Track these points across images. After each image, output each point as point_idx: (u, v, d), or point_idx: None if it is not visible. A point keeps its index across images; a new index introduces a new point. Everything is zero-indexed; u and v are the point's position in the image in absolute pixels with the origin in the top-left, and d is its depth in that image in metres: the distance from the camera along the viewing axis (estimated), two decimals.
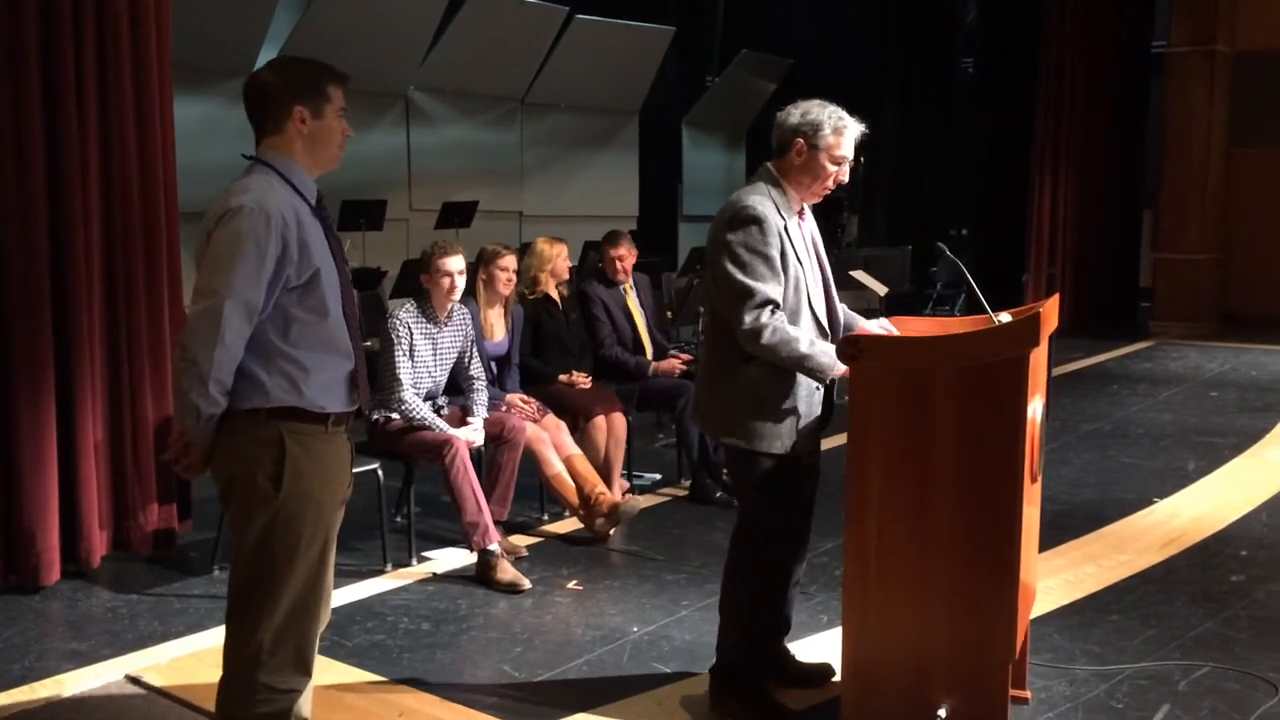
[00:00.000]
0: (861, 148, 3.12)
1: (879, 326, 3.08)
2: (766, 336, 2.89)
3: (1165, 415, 7.45)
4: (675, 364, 5.52)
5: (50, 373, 4.06)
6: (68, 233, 4.08)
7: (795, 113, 3.04)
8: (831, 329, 3.11)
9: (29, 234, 3.97)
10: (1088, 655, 3.58)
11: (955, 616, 2.75)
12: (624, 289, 5.61)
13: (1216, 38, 11.17)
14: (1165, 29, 11.59)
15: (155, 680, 3.39)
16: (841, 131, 3.02)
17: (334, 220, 2.69)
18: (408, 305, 4.58)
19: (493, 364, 5.00)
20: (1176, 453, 6.36)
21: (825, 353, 2.91)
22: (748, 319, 2.90)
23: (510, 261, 4.93)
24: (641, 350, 5.59)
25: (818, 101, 3.06)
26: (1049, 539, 4.46)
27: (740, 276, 2.92)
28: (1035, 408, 2.83)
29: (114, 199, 4.26)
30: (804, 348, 2.90)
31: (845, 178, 3.08)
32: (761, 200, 2.99)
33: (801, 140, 3.01)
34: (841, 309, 3.21)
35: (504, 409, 4.79)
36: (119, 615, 3.92)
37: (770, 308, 2.90)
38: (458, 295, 4.55)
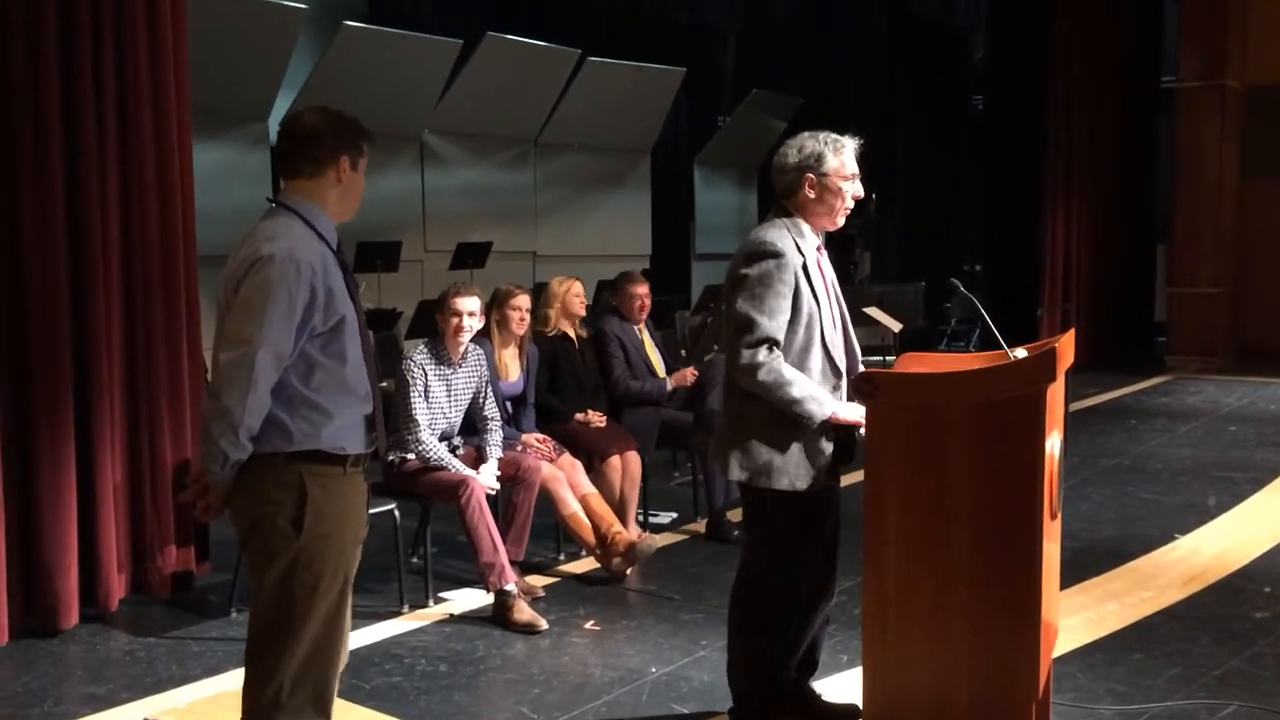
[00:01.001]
0: (873, 184, 3.14)
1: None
2: (761, 375, 2.90)
3: (1184, 450, 7.39)
4: (688, 374, 5.53)
5: (70, 415, 4.08)
6: (87, 275, 4.12)
7: (792, 151, 3.07)
8: (849, 369, 3.11)
9: (49, 276, 4.01)
10: (1112, 694, 3.54)
11: (976, 656, 2.72)
12: (639, 328, 5.64)
13: (1226, 72, 11.20)
14: (1175, 64, 11.63)
15: None
16: (841, 150, 3.05)
17: (350, 263, 2.72)
18: (421, 347, 4.60)
19: (508, 404, 5.00)
20: (1197, 488, 6.31)
21: (815, 400, 2.91)
22: (745, 354, 2.92)
23: (524, 301, 4.95)
24: (656, 377, 5.60)
25: (806, 134, 3.09)
26: (1070, 576, 4.42)
27: (746, 309, 2.94)
28: (1053, 443, 2.82)
29: (133, 242, 4.31)
30: (795, 392, 2.90)
31: (860, 193, 3.09)
32: (781, 236, 3.00)
33: (810, 175, 3.03)
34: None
35: (520, 449, 4.79)
36: (137, 659, 3.92)
37: (768, 345, 2.91)
38: (466, 336, 4.55)
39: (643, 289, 5.59)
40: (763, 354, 2.90)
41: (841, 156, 3.04)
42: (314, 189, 2.51)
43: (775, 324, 2.93)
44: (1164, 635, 4.06)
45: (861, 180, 3.10)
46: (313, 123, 2.52)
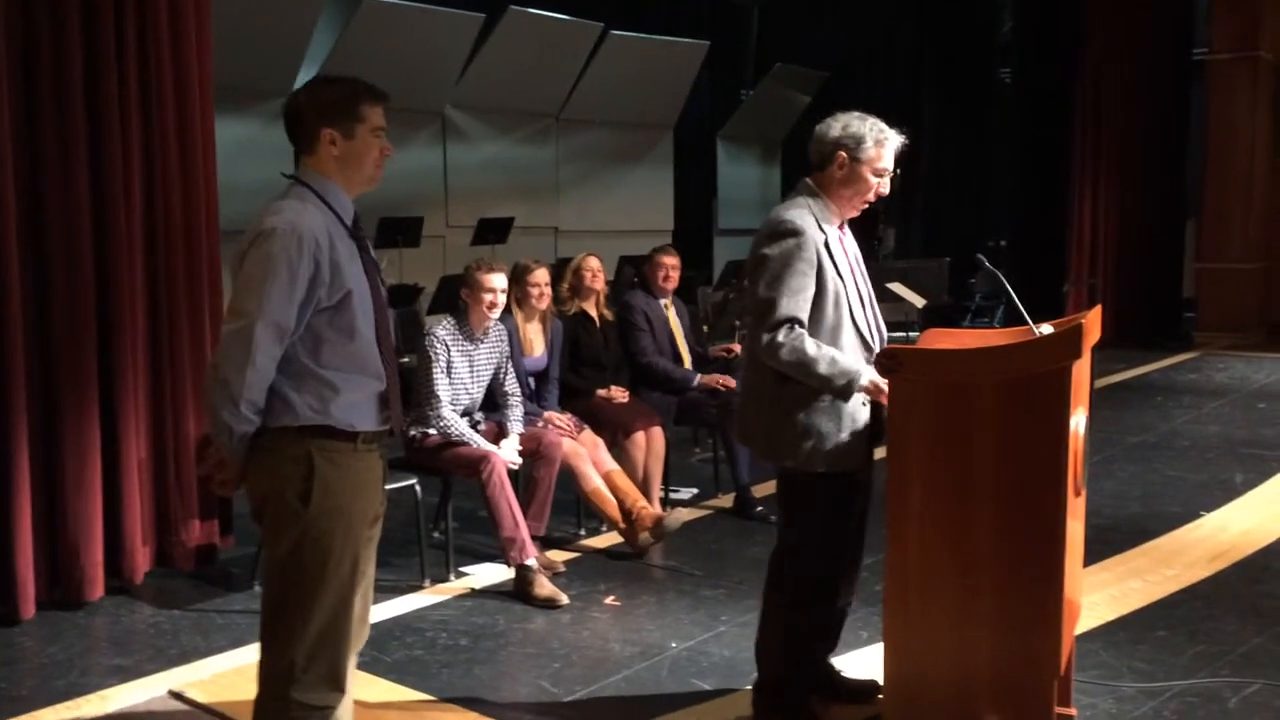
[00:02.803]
0: (898, 159, 3.10)
1: None
2: (783, 354, 2.87)
3: (1211, 427, 7.32)
4: (719, 379, 5.50)
5: (95, 390, 4.12)
6: (111, 251, 4.14)
7: (836, 125, 3.02)
8: (876, 342, 3.08)
9: (73, 252, 4.03)
10: (1135, 672, 3.52)
11: (999, 633, 2.71)
12: (664, 304, 5.62)
13: (1259, 44, 11.01)
14: (1205, 36, 11.44)
15: (198, 695, 3.42)
16: (883, 144, 3.00)
17: (370, 238, 2.70)
18: (445, 322, 4.60)
19: (530, 379, 5.00)
20: (1224, 465, 6.25)
21: (844, 374, 2.87)
22: (764, 337, 2.89)
23: (541, 276, 4.94)
24: (680, 363, 5.58)
25: (856, 114, 3.04)
26: (1094, 553, 4.38)
27: (766, 291, 2.91)
28: (1078, 420, 2.78)
29: (157, 218, 4.32)
30: (823, 368, 2.86)
31: (886, 190, 3.06)
32: (802, 214, 2.97)
33: (844, 153, 2.99)
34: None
35: (541, 425, 4.80)
36: (162, 630, 3.96)
37: (789, 325, 2.88)
38: (497, 313, 4.56)
39: (671, 259, 5.57)
40: (783, 334, 2.87)
41: (882, 149, 2.99)
42: (316, 164, 2.49)
43: (796, 302, 2.90)
44: (1188, 613, 4.03)
45: (893, 179, 3.06)
46: (294, 103, 2.50)
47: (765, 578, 3.16)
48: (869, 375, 2.90)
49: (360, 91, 2.50)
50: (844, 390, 2.89)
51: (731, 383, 5.43)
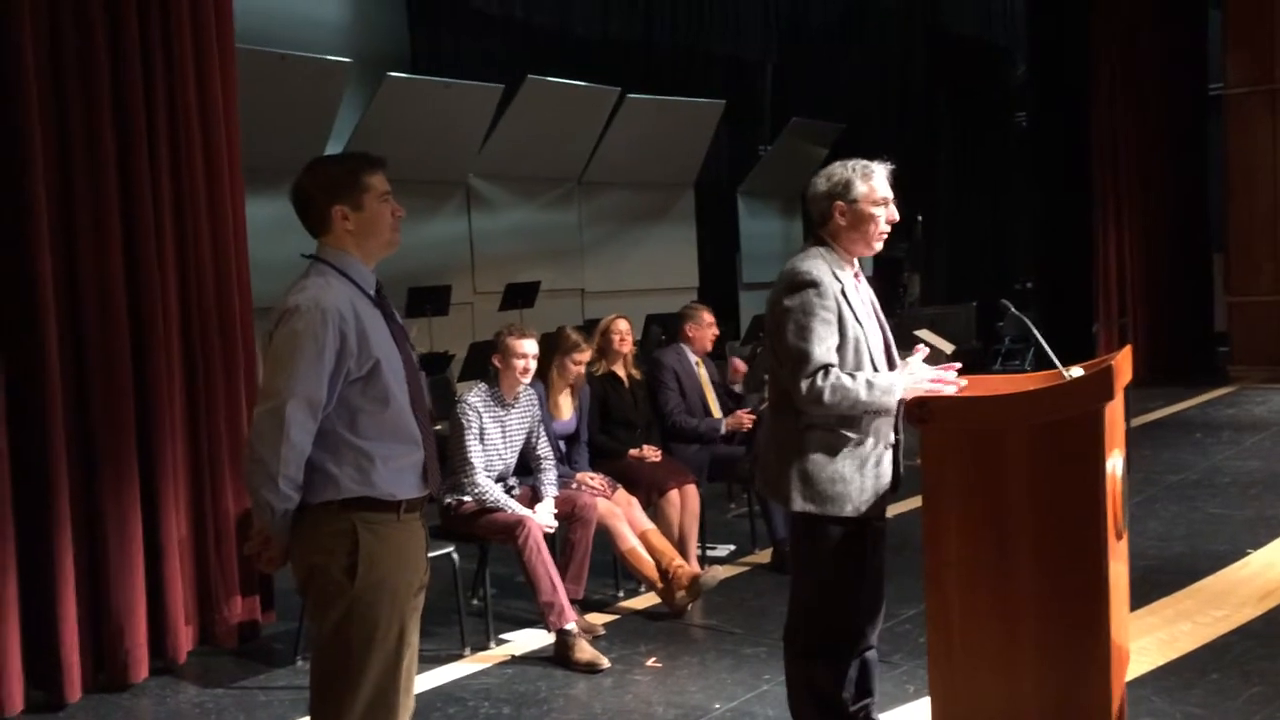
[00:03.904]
0: (918, 206, 3.13)
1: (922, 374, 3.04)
2: (828, 397, 2.89)
3: (1253, 462, 7.22)
4: (744, 417, 5.52)
5: (134, 469, 4.17)
6: (148, 330, 4.22)
7: (822, 181, 3.09)
8: None
9: (110, 331, 4.11)
10: (1190, 718, 3.45)
11: (1046, 682, 2.67)
12: (695, 360, 5.65)
13: (1275, 77, 11.02)
14: (1220, 70, 11.47)
15: None
16: (870, 176, 3.05)
17: (398, 308, 2.74)
18: (476, 389, 4.63)
19: (561, 443, 5.02)
20: (1268, 501, 6.15)
21: (886, 391, 2.91)
22: (804, 385, 2.91)
23: (587, 355, 4.98)
24: (710, 414, 5.60)
25: (837, 163, 3.11)
26: (1140, 597, 4.32)
27: (796, 342, 2.94)
28: (1115, 462, 2.77)
29: (190, 297, 4.40)
30: (863, 395, 2.90)
31: (896, 216, 3.09)
32: (816, 264, 3.01)
33: (840, 202, 3.04)
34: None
35: (575, 486, 4.80)
36: (206, 711, 3.96)
37: (824, 371, 2.91)
38: (529, 378, 4.60)
39: (711, 317, 5.68)
40: (820, 379, 2.90)
41: (871, 182, 3.04)
42: (334, 240, 2.54)
43: (825, 349, 2.93)
44: (1241, 654, 3.96)
45: (898, 204, 3.09)
46: (300, 185, 2.56)
47: (784, 639, 3.15)
48: (904, 381, 2.93)
49: (359, 163, 2.56)
50: (889, 405, 2.93)
51: (753, 417, 5.45)
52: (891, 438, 3.02)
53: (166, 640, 4.26)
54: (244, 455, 2.51)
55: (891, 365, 3.13)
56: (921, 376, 2.97)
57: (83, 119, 4.07)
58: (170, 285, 4.31)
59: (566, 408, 5.06)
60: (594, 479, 4.89)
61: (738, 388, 6.00)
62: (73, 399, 4.05)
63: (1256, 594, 4.60)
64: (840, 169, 3.07)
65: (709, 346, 5.66)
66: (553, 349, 4.88)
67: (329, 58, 8.72)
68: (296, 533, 2.49)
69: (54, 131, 4.01)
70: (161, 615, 4.25)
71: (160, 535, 4.24)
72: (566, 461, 5.03)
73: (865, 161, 3.08)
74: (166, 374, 4.27)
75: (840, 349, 2.97)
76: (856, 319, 3.01)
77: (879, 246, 3.12)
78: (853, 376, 2.91)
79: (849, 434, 2.95)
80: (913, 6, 13.59)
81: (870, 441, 2.97)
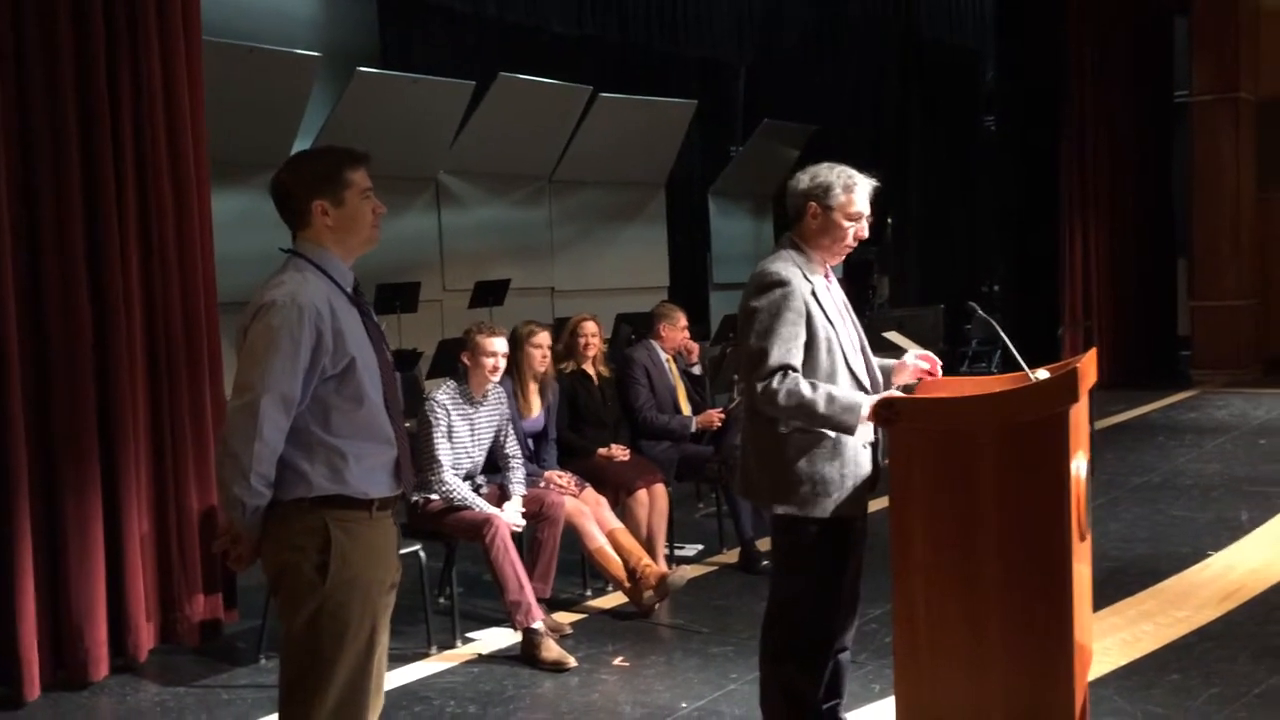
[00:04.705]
0: (888, 208, 3.14)
1: (913, 360, 3.09)
2: (781, 399, 2.88)
3: (1214, 465, 7.31)
4: (714, 415, 5.53)
5: (96, 466, 4.11)
6: (110, 326, 4.17)
7: (804, 178, 3.08)
8: (872, 387, 3.10)
9: (72, 327, 4.05)
10: (1151, 717, 3.49)
11: (1010, 682, 2.69)
12: (668, 360, 5.66)
13: (1239, 85, 11.18)
14: (1187, 78, 11.62)
15: None
16: (852, 189, 3.05)
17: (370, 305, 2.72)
18: (445, 386, 4.61)
19: (529, 440, 5.01)
20: (1228, 503, 6.24)
21: (845, 408, 2.87)
22: (759, 384, 2.92)
23: (544, 339, 4.96)
24: (680, 412, 5.60)
25: (826, 164, 3.10)
26: (1103, 597, 4.37)
27: (758, 342, 2.95)
28: (1079, 464, 2.79)
29: (155, 292, 4.35)
30: (823, 407, 2.87)
31: (865, 234, 3.09)
32: (786, 266, 3.01)
33: (815, 204, 3.04)
34: (877, 362, 3.20)
35: (543, 485, 4.79)
36: (167, 709, 3.92)
37: (783, 373, 2.90)
38: (498, 376, 4.59)
39: (685, 321, 5.72)
40: (776, 380, 2.89)
41: (851, 194, 3.03)
42: (313, 235, 2.52)
43: (787, 350, 2.93)
44: (1201, 655, 4.00)
45: (871, 222, 3.09)
46: (281, 179, 2.53)
47: (760, 633, 3.15)
48: (870, 402, 2.90)
49: (341, 158, 2.53)
50: (849, 423, 2.88)
51: (723, 416, 5.47)
52: (870, 436, 3.03)
53: (127, 638, 4.21)
54: (216, 450, 2.49)
55: (868, 364, 3.13)
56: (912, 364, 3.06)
57: (46, 111, 4.01)
58: (134, 279, 4.26)
59: (535, 405, 5.04)
60: (562, 477, 4.88)
61: (696, 370, 6.00)
62: (33, 393, 3.99)
63: (1217, 595, 4.66)
64: (826, 171, 3.06)
65: (680, 348, 5.67)
66: (513, 345, 4.88)
67: (298, 51, 8.64)
68: (267, 530, 2.46)
69: (16, 124, 3.95)
70: (122, 612, 4.20)
71: (122, 532, 4.19)
72: (535, 459, 5.01)
73: (852, 171, 3.07)
74: (129, 368, 4.22)
75: (812, 349, 2.97)
76: (828, 319, 3.01)
77: (840, 258, 3.13)
78: (814, 386, 2.90)
79: (827, 435, 2.95)
80: (885, 11, 13.66)
81: (849, 441, 2.97)
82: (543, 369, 4.99)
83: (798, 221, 3.09)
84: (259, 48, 8.31)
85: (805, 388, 2.89)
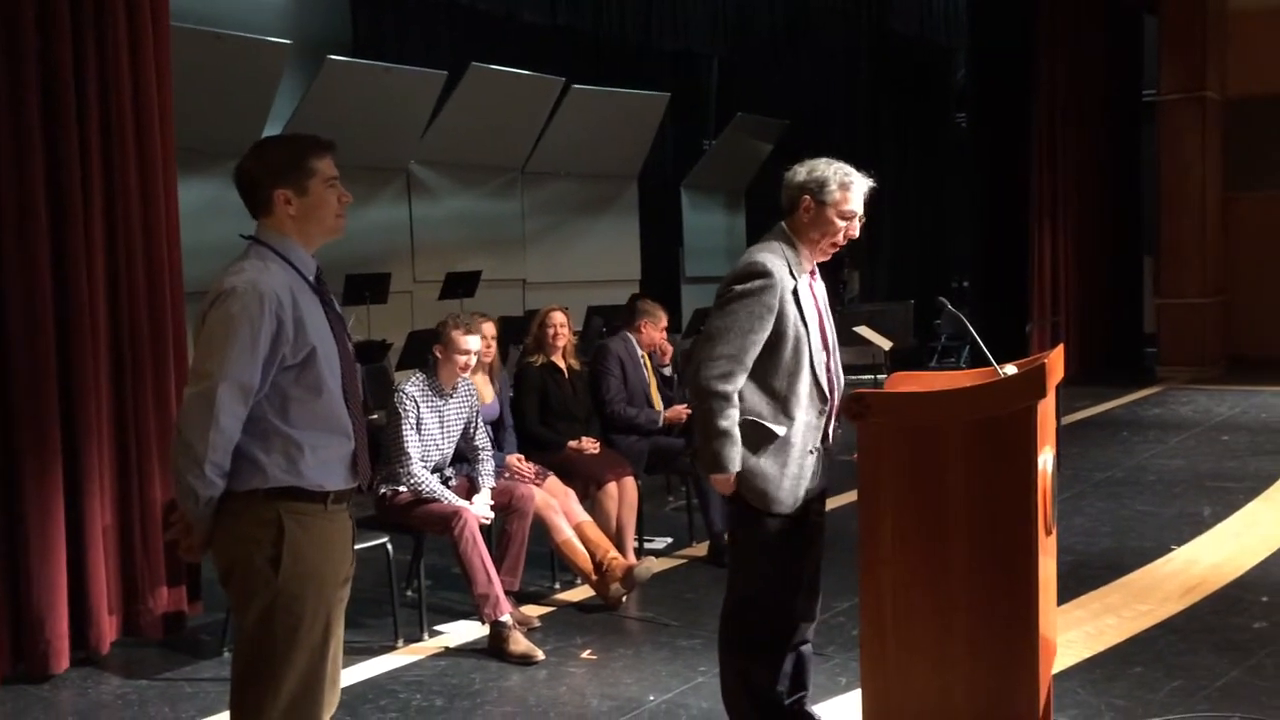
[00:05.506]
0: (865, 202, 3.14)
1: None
2: (706, 399, 2.93)
3: (1177, 461, 7.40)
4: (682, 410, 5.53)
5: (58, 457, 4.06)
6: (74, 315, 4.11)
7: (801, 171, 3.08)
8: (831, 390, 3.10)
9: (35, 316, 3.99)
10: (1114, 710, 3.52)
11: (976, 675, 2.71)
12: (642, 354, 5.66)
13: (1206, 85, 11.30)
14: (1155, 78, 11.72)
15: None
16: (848, 187, 3.04)
17: (336, 294, 2.68)
18: (414, 378, 4.58)
19: (488, 428, 4.98)
20: (1191, 499, 6.31)
21: (726, 455, 2.91)
22: (702, 372, 2.94)
23: (488, 329, 4.93)
24: (651, 406, 5.60)
25: (824, 159, 3.09)
26: (1067, 591, 4.40)
27: (720, 322, 2.96)
28: (1046, 459, 2.81)
29: (120, 280, 4.29)
30: (718, 432, 2.91)
31: (855, 233, 3.09)
32: (773, 258, 3.01)
33: (808, 197, 3.04)
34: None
35: (505, 474, 4.77)
36: (129, 702, 3.87)
37: (727, 374, 2.92)
38: (469, 374, 4.57)
39: (665, 323, 5.76)
40: (717, 381, 2.92)
41: (847, 192, 3.03)
42: (275, 223, 2.48)
43: (743, 347, 2.94)
44: (1164, 648, 4.05)
45: (863, 223, 3.09)
46: (245, 166, 2.50)
47: (719, 633, 3.16)
48: (734, 471, 2.94)
49: (307, 146, 2.49)
50: (710, 465, 2.95)
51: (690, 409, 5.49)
52: (818, 445, 3.04)
53: (89, 630, 4.16)
54: (172, 438, 2.45)
55: (829, 370, 3.13)
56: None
57: (8, 96, 3.94)
58: (98, 268, 4.20)
59: (487, 393, 5.01)
60: (522, 462, 4.86)
61: (667, 370, 6.01)
62: None
63: (1179, 590, 4.71)
64: (824, 166, 3.06)
65: (656, 346, 5.68)
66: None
67: (267, 38, 8.57)
68: (220, 521, 2.42)
69: None
70: (84, 605, 4.14)
71: (84, 523, 4.13)
72: (495, 446, 4.98)
73: (850, 169, 3.06)
74: (93, 358, 4.16)
75: (778, 346, 2.97)
76: (802, 319, 3.01)
77: (827, 255, 3.12)
78: (736, 411, 2.92)
79: (775, 429, 2.96)
80: (858, 6, 13.70)
81: (794, 445, 2.98)
82: (489, 360, 4.97)
83: (790, 214, 3.09)
84: (228, 34, 8.23)
85: (730, 408, 2.92)
